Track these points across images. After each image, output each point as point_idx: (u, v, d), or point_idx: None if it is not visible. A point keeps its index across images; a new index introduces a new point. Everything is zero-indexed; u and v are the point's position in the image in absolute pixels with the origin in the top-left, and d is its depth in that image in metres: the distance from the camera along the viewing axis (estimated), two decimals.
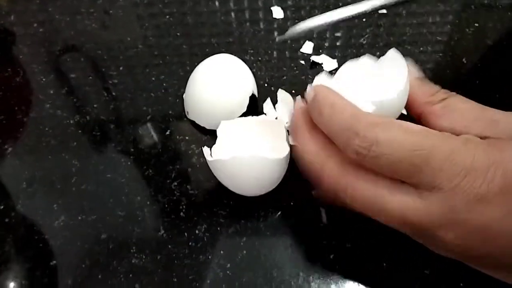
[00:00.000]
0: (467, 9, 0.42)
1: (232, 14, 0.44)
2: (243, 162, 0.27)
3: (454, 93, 0.26)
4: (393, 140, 0.21)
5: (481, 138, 0.22)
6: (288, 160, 0.29)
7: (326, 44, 0.40)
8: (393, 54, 0.27)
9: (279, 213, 0.31)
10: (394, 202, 0.22)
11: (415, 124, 0.23)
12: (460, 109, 0.24)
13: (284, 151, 0.28)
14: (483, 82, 0.36)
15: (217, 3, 0.44)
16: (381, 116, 0.23)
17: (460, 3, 0.42)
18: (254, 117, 0.31)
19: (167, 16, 0.44)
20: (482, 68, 0.37)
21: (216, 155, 0.30)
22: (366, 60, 0.28)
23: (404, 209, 0.22)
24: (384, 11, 0.42)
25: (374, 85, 0.27)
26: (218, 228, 0.30)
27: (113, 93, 0.39)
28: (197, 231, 0.30)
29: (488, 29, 0.40)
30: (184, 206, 0.32)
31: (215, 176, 0.30)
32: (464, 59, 0.38)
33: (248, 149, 0.31)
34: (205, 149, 0.29)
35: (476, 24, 0.40)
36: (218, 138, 0.31)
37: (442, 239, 0.21)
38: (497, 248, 0.20)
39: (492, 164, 0.20)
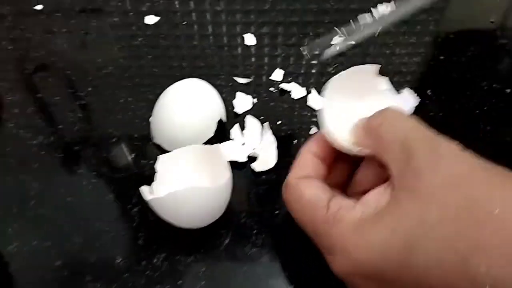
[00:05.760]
0: (434, 42, 0.43)
1: (206, 39, 0.44)
2: (180, 196, 0.26)
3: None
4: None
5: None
6: (231, 185, 0.29)
7: (296, 72, 0.41)
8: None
9: (239, 240, 0.30)
10: None
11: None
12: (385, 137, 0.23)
13: (224, 177, 0.27)
14: (447, 115, 0.37)
15: (186, 29, 0.45)
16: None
17: (424, 43, 0.43)
18: (192, 146, 0.31)
19: (140, 39, 0.44)
20: (446, 101, 0.38)
21: (155, 193, 0.29)
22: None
23: None
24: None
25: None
26: (177, 257, 0.30)
27: (79, 115, 0.38)
28: (155, 260, 0.29)
29: (453, 62, 0.41)
30: (143, 234, 0.31)
31: None
32: (429, 91, 0.38)
33: (187, 181, 0.31)
34: (143, 188, 0.28)
35: (441, 57, 0.41)
36: (157, 174, 0.30)
37: None
38: None
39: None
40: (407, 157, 0.21)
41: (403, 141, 0.22)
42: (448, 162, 0.20)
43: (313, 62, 0.41)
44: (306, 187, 0.25)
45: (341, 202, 0.23)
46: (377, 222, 0.21)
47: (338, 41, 0.28)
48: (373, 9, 0.29)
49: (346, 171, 0.28)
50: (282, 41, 0.43)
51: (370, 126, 0.24)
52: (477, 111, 0.37)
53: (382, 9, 0.28)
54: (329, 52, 0.27)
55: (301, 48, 0.37)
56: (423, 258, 0.19)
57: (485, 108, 0.37)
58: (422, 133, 0.22)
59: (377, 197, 0.22)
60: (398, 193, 0.21)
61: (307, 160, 0.27)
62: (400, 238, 0.20)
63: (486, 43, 0.42)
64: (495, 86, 0.38)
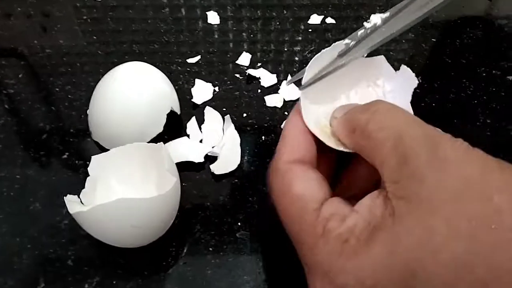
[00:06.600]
0: (426, 22, 0.38)
1: (162, 18, 0.38)
2: (109, 210, 0.20)
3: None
4: None
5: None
6: (178, 193, 0.24)
7: (266, 56, 0.35)
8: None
9: (192, 260, 0.25)
10: None
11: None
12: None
13: (168, 183, 0.22)
14: (440, 105, 0.32)
15: (139, 7, 0.38)
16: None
17: (415, 24, 0.38)
18: (132, 144, 0.25)
19: (85, 17, 0.37)
20: (439, 89, 0.33)
21: (84, 203, 0.24)
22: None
23: None
24: (333, 21, 0.37)
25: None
26: (114, 282, 0.24)
27: (6, 106, 0.32)
28: (86, 285, 0.24)
29: (446, 45, 0.36)
30: (73, 252, 0.25)
31: None
32: (419, 78, 0.33)
33: (123, 188, 0.25)
34: (69, 198, 0.23)
35: (434, 40, 0.36)
36: (88, 179, 0.25)
37: None
38: None
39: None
40: (402, 159, 0.17)
41: (396, 140, 0.17)
42: (455, 165, 0.16)
43: (294, 49, 0.36)
44: (299, 176, 0.20)
45: (336, 208, 0.19)
46: (370, 240, 0.17)
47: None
48: (365, 23, 0.24)
49: (333, 161, 0.23)
50: (250, 20, 0.38)
51: (355, 123, 0.19)
52: (475, 101, 0.32)
53: (376, 20, 0.23)
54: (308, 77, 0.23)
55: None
56: (429, 286, 0.15)
57: (485, 97, 0.33)
58: (420, 130, 0.18)
59: (369, 206, 0.18)
60: (394, 204, 0.17)
61: (298, 137, 0.21)
62: (399, 261, 0.16)
63: (484, 24, 0.38)
64: (495, 72, 0.34)
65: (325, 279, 0.17)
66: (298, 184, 0.19)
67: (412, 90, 0.23)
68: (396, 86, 0.23)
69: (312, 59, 0.22)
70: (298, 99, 0.22)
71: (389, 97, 0.23)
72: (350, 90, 0.24)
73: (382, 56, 0.24)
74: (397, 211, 0.16)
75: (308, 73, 0.22)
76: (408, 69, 0.23)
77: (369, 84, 0.24)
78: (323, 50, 0.22)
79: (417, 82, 0.23)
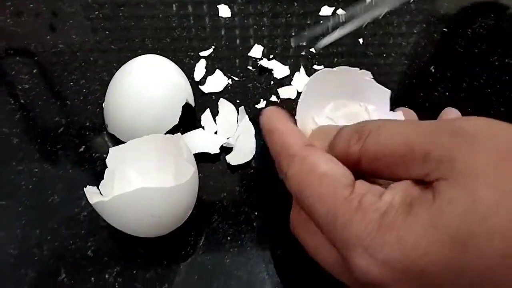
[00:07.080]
0: (436, 13, 0.38)
1: (173, 11, 0.38)
2: (129, 199, 0.21)
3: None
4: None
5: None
6: (197, 183, 0.24)
7: (278, 49, 0.35)
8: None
9: (210, 249, 0.25)
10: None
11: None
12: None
13: (187, 174, 0.22)
14: (453, 94, 0.32)
15: (161, 6, 0.39)
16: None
17: (425, 13, 0.38)
18: (149, 136, 0.26)
19: (96, 12, 0.38)
20: (452, 78, 0.33)
21: (103, 194, 0.24)
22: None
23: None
24: (344, 12, 0.37)
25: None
26: (134, 271, 0.24)
27: (22, 101, 0.32)
28: (107, 276, 0.24)
29: (458, 34, 0.36)
30: (93, 243, 0.25)
31: None
32: (432, 68, 0.33)
33: (142, 179, 0.26)
34: (89, 189, 0.23)
35: (445, 29, 0.36)
36: (107, 171, 0.25)
37: None
38: None
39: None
40: (424, 156, 0.17)
41: (405, 145, 0.17)
42: (481, 138, 0.16)
43: (301, 43, 0.36)
44: (321, 158, 0.19)
45: (369, 185, 0.18)
46: (409, 215, 0.16)
47: (333, 29, 0.24)
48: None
49: None
50: (260, 13, 0.38)
51: (352, 156, 0.19)
52: (488, 90, 0.32)
53: None
54: (324, 41, 0.23)
55: (291, 40, 0.34)
56: (481, 255, 0.15)
57: (498, 86, 0.32)
58: (423, 127, 0.17)
59: (405, 187, 0.17)
60: (433, 185, 0.16)
61: (297, 129, 0.21)
62: (445, 232, 0.15)
63: (495, 13, 0.37)
64: (508, 61, 0.34)
65: (365, 254, 0.16)
66: (323, 163, 0.19)
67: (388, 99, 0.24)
68: (376, 102, 0.25)
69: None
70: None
71: (372, 112, 0.25)
72: (337, 101, 0.25)
73: (389, 92, 0.25)
74: (436, 188, 0.16)
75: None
76: (401, 112, 0.24)
77: (353, 96, 0.25)
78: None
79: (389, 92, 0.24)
